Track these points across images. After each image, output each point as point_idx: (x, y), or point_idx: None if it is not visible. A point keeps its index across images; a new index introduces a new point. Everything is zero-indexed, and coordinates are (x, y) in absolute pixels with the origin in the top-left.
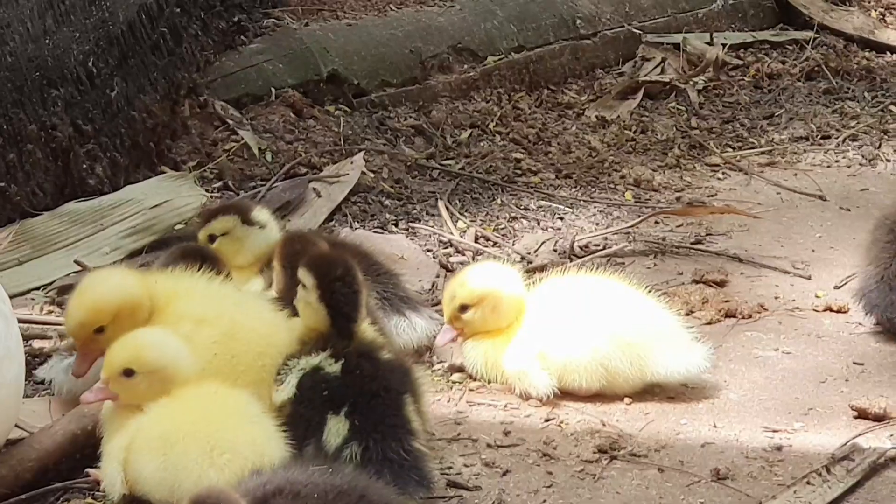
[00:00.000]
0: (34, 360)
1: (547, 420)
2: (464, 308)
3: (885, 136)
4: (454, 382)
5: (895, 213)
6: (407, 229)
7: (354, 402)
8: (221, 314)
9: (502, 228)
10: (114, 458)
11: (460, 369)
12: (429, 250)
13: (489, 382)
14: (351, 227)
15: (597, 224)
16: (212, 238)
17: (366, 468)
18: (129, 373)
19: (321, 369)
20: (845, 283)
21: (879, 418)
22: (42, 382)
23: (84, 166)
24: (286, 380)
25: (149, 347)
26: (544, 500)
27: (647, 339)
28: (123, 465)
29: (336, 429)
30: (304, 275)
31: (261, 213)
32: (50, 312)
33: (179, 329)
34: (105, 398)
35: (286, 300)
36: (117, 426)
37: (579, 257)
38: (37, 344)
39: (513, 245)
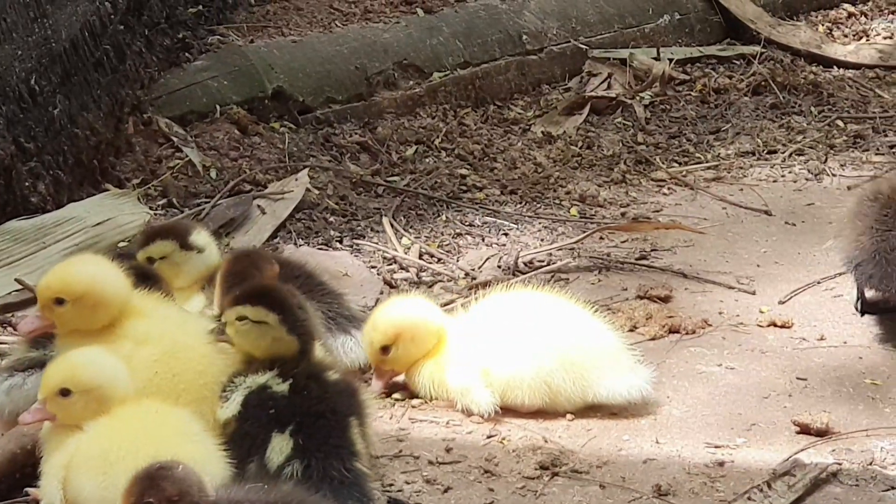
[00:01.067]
0: None
1: (489, 436)
2: (385, 349)
3: (832, 151)
4: (396, 399)
5: (888, 188)
6: (351, 246)
7: (300, 421)
8: (163, 333)
9: (447, 245)
10: (53, 477)
11: (403, 387)
12: (373, 267)
13: (432, 399)
14: (295, 244)
15: (542, 240)
16: (150, 260)
17: (306, 485)
18: (65, 392)
19: (268, 388)
20: (790, 298)
21: (821, 433)
22: None
23: (26, 184)
24: (231, 397)
25: (84, 367)
26: None
27: (590, 360)
28: (63, 484)
29: (280, 447)
30: (261, 313)
31: (199, 237)
32: None
33: (121, 348)
34: (42, 419)
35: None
36: (56, 445)
37: (524, 273)
38: None
39: (457, 261)
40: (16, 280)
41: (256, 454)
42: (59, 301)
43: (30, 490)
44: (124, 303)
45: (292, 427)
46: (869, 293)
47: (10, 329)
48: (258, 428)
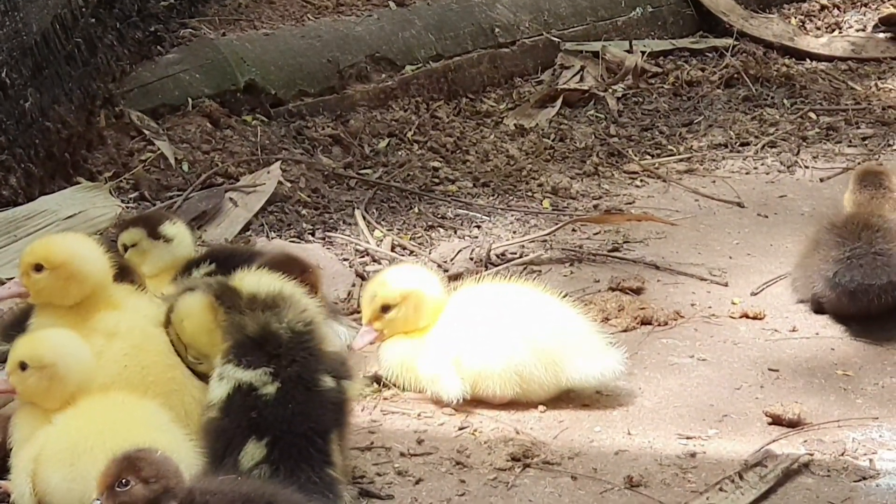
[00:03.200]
0: None
1: (461, 428)
2: (386, 308)
3: (804, 143)
4: (369, 391)
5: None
6: (323, 238)
7: (278, 436)
8: (133, 327)
9: (419, 237)
10: (22, 470)
11: (378, 379)
12: (345, 259)
13: (403, 389)
14: (267, 236)
15: (514, 232)
16: (124, 247)
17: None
18: (23, 366)
19: (255, 389)
20: (762, 290)
21: (793, 424)
22: None
23: None
24: (221, 384)
25: (43, 343)
26: None
27: (561, 345)
28: (32, 476)
29: (252, 453)
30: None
31: (170, 227)
32: None
33: (94, 342)
34: (3, 391)
35: None
36: (25, 438)
37: (496, 265)
38: None
39: (429, 254)
40: None
41: (231, 454)
42: (38, 268)
43: (0, 483)
44: (100, 284)
45: (269, 438)
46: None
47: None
48: (237, 428)
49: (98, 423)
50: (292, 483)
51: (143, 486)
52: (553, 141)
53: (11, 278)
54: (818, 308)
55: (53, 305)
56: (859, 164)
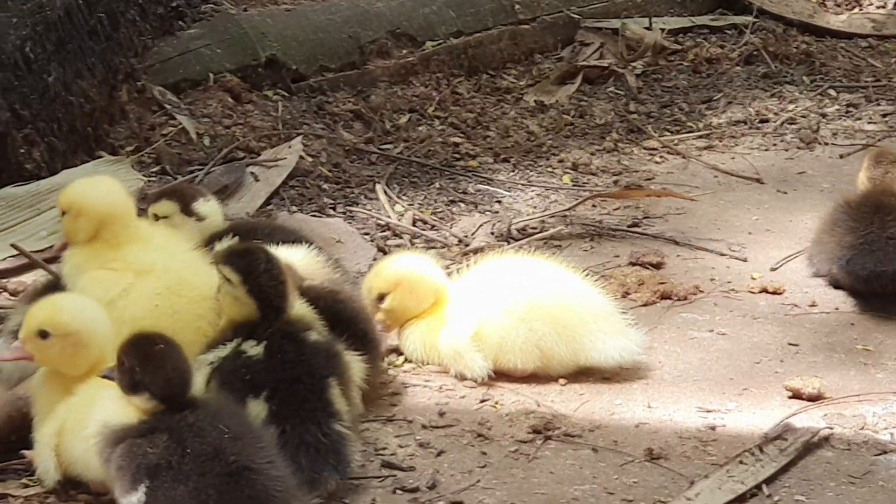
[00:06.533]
0: None
1: (482, 401)
2: (381, 297)
3: (823, 120)
4: (389, 364)
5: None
6: (345, 213)
7: (275, 386)
8: (169, 267)
9: (440, 212)
10: (45, 444)
11: (396, 350)
12: (366, 234)
13: (425, 364)
14: (289, 210)
15: (534, 207)
16: (155, 217)
17: (282, 451)
18: (43, 334)
19: (243, 353)
20: (781, 265)
21: (813, 398)
22: None
23: (21, 151)
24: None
25: (64, 311)
26: (478, 480)
27: (582, 323)
28: (56, 450)
29: (255, 412)
30: (227, 271)
31: (203, 205)
32: None
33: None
34: (20, 358)
35: None
36: (47, 412)
37: (517, 240)
38: None
39: (450, 228)
40: (11, 245)
41: None
42: (62, 213)
43: (25, 453)
44: (104, 218)
45: (267, 392)
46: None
47: (6, 294)
48: (234, 393)
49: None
50: (298, 447)
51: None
52: (573, 117)
53: (36, 251)
54: (836, 283)
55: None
56: (879, 141)
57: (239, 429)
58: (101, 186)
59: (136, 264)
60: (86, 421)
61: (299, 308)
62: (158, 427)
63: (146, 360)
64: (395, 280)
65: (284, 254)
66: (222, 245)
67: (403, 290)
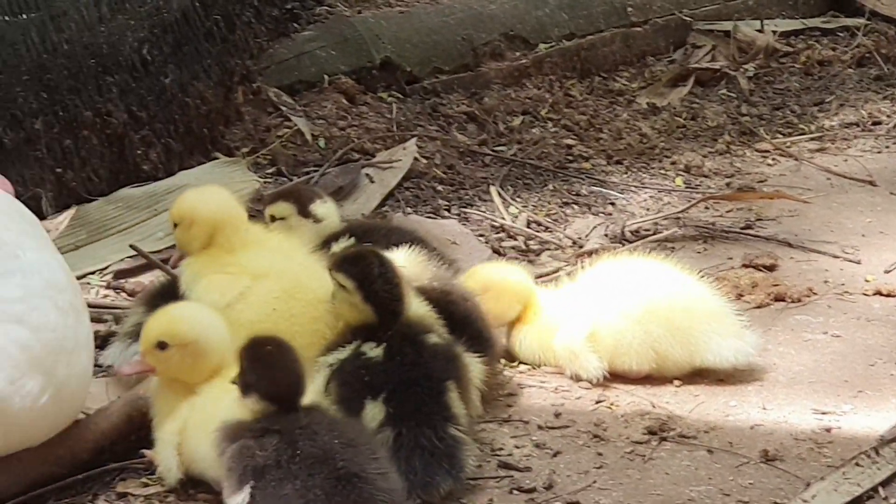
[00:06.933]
0: None
1: (597, 402)
2: None
3: None
4: (505, 364)
5: None
6: (459, 214)
7: (393, 389)
8: (285, 271)
9: (554, 214)
10: (167, 443)
11: (508, 352)
12: (481, 235)
13: (540, 366)
14: (404, 212)
15: (647, 209)
16: (272, 218)
17: (397, 454)
18: (162, 345)
19: (363, 354)
20: (895, 268)
21: None
22: (100, 365)
23: (138, 152)
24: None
25: (181, 320)
26: (594, 481)
27: (697, 325)
28: (178, 449)
29: (373, 414)
30: (341, 278)
31: (320, 207)
32: (106, 296)
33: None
34: (141, 371)
35: None
36: (169, 411)
37: (630, 242)
38: (94, 327)
39: (564, 230)
40: (130, 246)
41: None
42: (175, 226)
43: (145, 452)
44: (217, 225)
45: (385, 395)
46: None
47: (124, 294)
48: (353, 394)
49: None
50: (413, 450)
51: None
52: (685, 119)
53: (153, 251)
54: None
55: (194, 253)
56: None
57: (352, 436)
58: (210, 195)
59: (253, 268)
60: (208, 420)
61: (419, 309)
62: (270, 428)
63: (256, 362)
64: (482, 286)
65: (395, 256)
66: (339, 246)
67: (491, 296)
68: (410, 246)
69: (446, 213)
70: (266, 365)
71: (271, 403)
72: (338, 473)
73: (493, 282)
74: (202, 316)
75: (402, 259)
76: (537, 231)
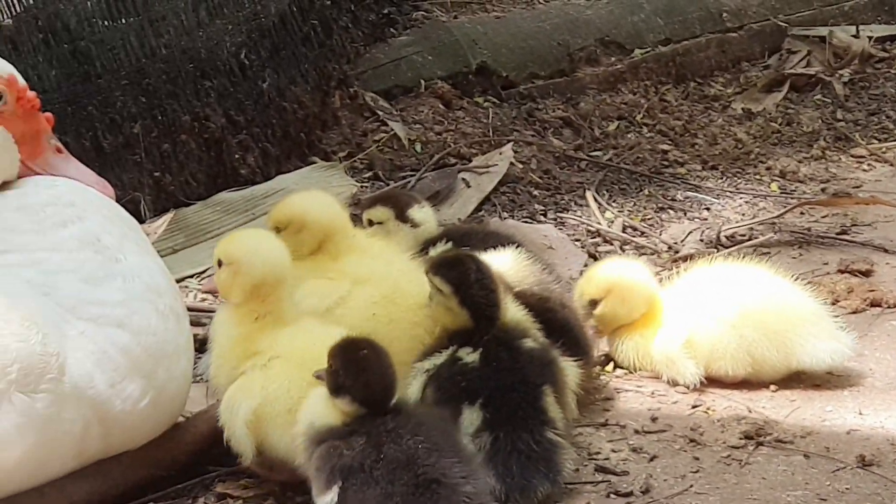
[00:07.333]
0: None
1: (694, 406)
2: (593, 303)
3: None
4: (601, 370)
5: None
6: (555, 219)
7: (489, 394)
8: (386, 276)
9: (649, 219)
10: (240, 417)
11: (608, 357)
12: (577, 240)
13: (636, 370)
14: (500, 216)
15: (743, 215)
16: (370, 222)
17: (494, 458)
18: (219, 263)
19: (459, 360)
20: None
21: None
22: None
23: (236, 156)
24: (413, 383)
25: (233, 242)
26: (691, 485)
27: (792, 327)
28: (251, 429)
29: (470, 419)
30: (438, 282)
31: (418, 212)
32: (204, 300)
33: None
34: (210, 289)
35: None
36: (222, 337)
37: (725, 247)
38: (192, 331)
39: (660, 235)
40: None
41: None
42: (277, 230)
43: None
44: (327, 231)
45: (481, 400)
46: None
47: (220, 299)
48: (450, 399)
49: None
50: (510, 454)
51: None
52: (780, 125)
53: None
54: None
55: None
56: None
57: (436, 439)
58: (320, 200)
59: (354, 274)
60: (283, 400)
61: (516, 314)
62: (358, 430)
63: (349, 365)
64: (607, 287)
65: (493, 260)
66: (436, 251)
67: (615, 297)
68: (516, 247)
69: (542, 218)
70: (361, 368)
71: (362, 406)
72: (417, 480)
73: (617, 283)
74: (252, 240)
75: (507, 261)
76: (633, 236)
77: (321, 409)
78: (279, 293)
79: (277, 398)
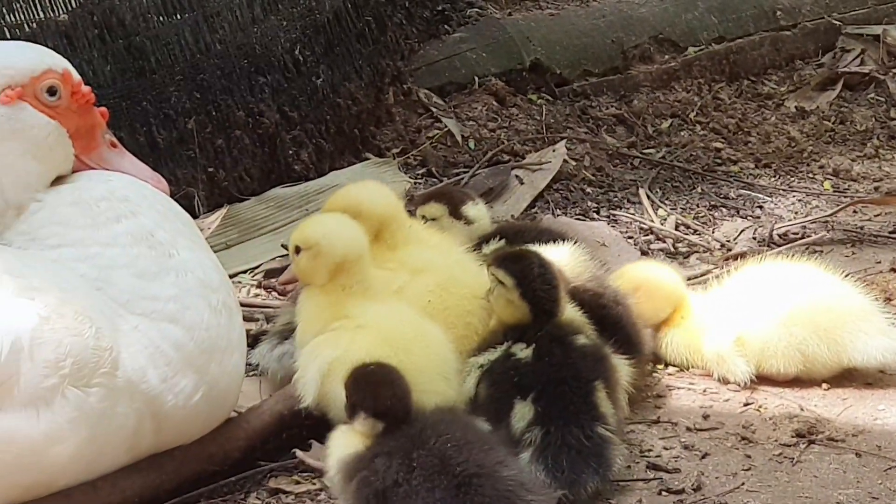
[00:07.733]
0: None
1: (745, 404)
2: None
3: None
4: (653, 367)
5: None
6: (608, 217)
7: (541, 389)
8: (443, 265)
9: (702, 216)
10: (316, 367)
11: (656, 355)
12: (630, 237)
13: (688, 368)
14: (553, 214)
15: (795, 213)
16: (424, 218)
17: (544, 453)
18: (297, 250)
19: (513, 355)
20: None
21: None
22: (251, 364)
23: (290, 152)
24: (466, 379)
25: (309, 226)
26: (743, 483)
27: (843, 325)
28: (320, 387)
29: (521, 413)
30: (501, 274)
31: (472, 209)
32: (257, 296)
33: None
34: (289, 279)
35: None
36: (308, 319)
37: (778, 246)
38: (245, 326)
39: (713, 233)
40: (281, 245)
41: (503, 419)
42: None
43: (298, 452)
44: (383, 220)
45: (533, 395)
46: None
47: (274, 293)
48: (502, 394)
49: (386, 343)
50: (560, 448)
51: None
52: (833, 123)
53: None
54: None
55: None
56: None
57: (462, 434)
58: (376, 190)
59: (411, 264)
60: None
61: (568, 311)
62: (381, 451)
63: (358, 381)
64: (635, 284)
65: (551, 253)
66: (490, 248)
67: (642, 295)
68: (574, 243)
69: (595, 216)
70: (368, 382)
71: (378, 420)
72: (457, 480)
73: (645, 281)
74: (328, 222)
75: (565, 256)
76: (686, 234)
77: (343, 441)
78: (362, 266)
79: (354, 362)
